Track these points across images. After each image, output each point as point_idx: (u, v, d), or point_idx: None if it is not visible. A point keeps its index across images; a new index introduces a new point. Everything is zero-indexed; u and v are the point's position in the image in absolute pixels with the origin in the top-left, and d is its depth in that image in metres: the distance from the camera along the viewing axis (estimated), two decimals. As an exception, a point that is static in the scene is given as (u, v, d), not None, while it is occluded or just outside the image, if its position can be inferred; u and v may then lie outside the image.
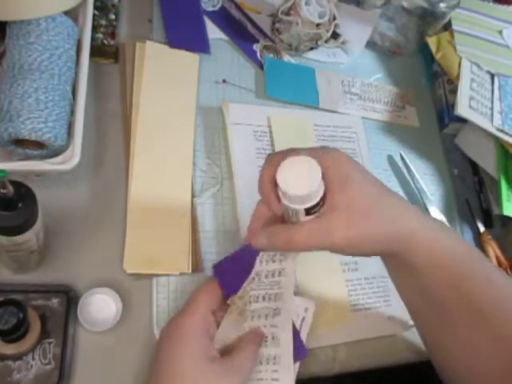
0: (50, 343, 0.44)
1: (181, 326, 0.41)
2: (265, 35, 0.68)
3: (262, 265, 0.44)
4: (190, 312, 0.42)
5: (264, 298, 0.43)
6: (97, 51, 0.57)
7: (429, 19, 0.70)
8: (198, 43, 0.63)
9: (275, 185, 0.39)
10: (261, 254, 0.44)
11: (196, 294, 0.43)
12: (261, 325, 0.42)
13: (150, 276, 0.49)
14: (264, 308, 0.43)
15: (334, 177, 0.39)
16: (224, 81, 0.63)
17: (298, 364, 0.44)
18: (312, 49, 0.68)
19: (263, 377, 0.41)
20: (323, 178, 0.38)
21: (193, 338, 0.40)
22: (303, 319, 0.47)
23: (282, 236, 0.40)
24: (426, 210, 0.64)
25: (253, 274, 0.44)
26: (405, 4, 0.68)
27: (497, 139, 0.66)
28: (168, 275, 0.50)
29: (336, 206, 0.39)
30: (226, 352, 0.42)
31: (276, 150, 0.59)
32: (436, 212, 0.64)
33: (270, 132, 0.60)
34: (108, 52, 0.58)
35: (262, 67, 0.65)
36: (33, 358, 0.43)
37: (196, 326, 0.41)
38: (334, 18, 0.66)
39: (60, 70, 0.48)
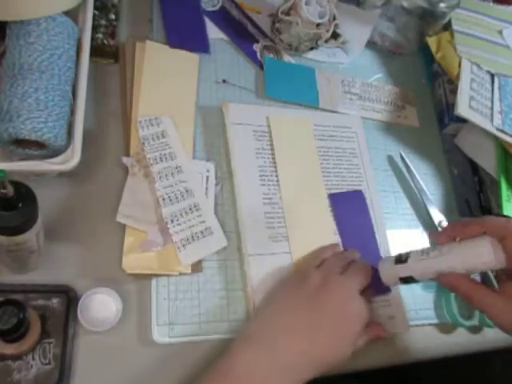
0: (50, 343, 0.44)
1: None
2: (265, 35, 0.68)
3: (144, 130, 0.51)
4: None
5: (161, 158, 0.52)
6: (97, 51, 0.57)
7: (429, 19, 0.70)
8: (198, 43, 0.63)
9: None
10: (138, 120, 0.53)
11: None
12: (171, 183, 0.51)
13: (150, 276, 0.49)
14: (166, 168, 0.52)
15: None
16: (224, 81, 0.63)
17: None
18: (312, 49, 0.68)
19: (193, 223, 0.51)
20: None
21: None
22: (207, 178, 0.54)
23: (477, 298, 0.43)
24: (426, 209, 0.64)
25: (142, 140, 0.52)
26: (405, 4, 0.68)
27: (497, 139, 0.66)
28: (168, 275, 0.50)
29: None
30: None
31: (275, 151, 0.59)
32: (436, 212, 0.64)
33: (270, 132, 0.60)
34: (108, 52, 0.58)
35: (262, 67, 0.65)
36: (33, 358, 0.43)
37: None
38: (334, 18, 0.66)
39: (60, 70, 0.48)
